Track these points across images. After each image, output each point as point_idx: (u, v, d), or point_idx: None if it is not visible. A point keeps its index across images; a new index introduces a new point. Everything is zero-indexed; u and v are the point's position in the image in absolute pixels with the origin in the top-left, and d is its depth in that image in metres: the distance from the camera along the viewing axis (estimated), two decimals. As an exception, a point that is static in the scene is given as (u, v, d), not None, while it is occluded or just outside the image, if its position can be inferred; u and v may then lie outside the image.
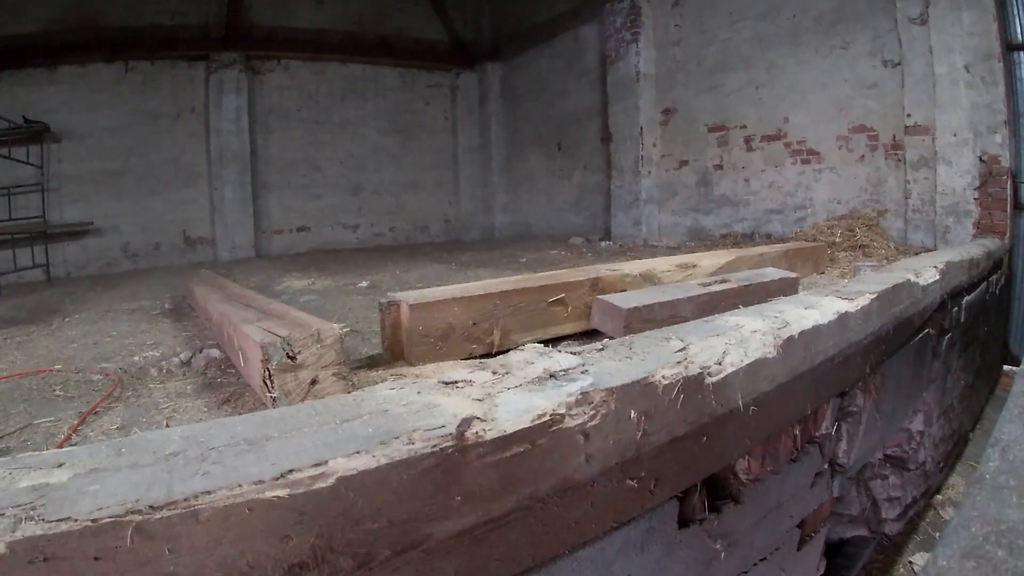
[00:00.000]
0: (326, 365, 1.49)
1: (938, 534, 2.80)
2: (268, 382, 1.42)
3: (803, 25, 5.21)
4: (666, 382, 1.10)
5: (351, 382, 1.58)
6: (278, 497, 0.67)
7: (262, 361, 1.42)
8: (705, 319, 1.57)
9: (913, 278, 2.34)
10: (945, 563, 0.71)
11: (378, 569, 0.76)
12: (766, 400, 1.39)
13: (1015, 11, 4.11)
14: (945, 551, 0.73)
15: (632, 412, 1.04)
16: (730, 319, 1.51)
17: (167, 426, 1.48)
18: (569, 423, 0.94)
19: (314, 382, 1.48)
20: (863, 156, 4.91)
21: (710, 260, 2.86)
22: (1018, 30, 4.13)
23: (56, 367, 2.09)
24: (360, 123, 8.87)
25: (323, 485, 0.70)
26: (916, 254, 3.95)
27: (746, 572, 1.56)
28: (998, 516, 0.77)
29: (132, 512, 0.60)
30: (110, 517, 0.60)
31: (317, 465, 0.71)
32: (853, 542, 2.80)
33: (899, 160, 4.64)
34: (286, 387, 1.44)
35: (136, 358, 2.21)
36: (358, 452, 0.74)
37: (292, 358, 1.44)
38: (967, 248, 3.43)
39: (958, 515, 0.80)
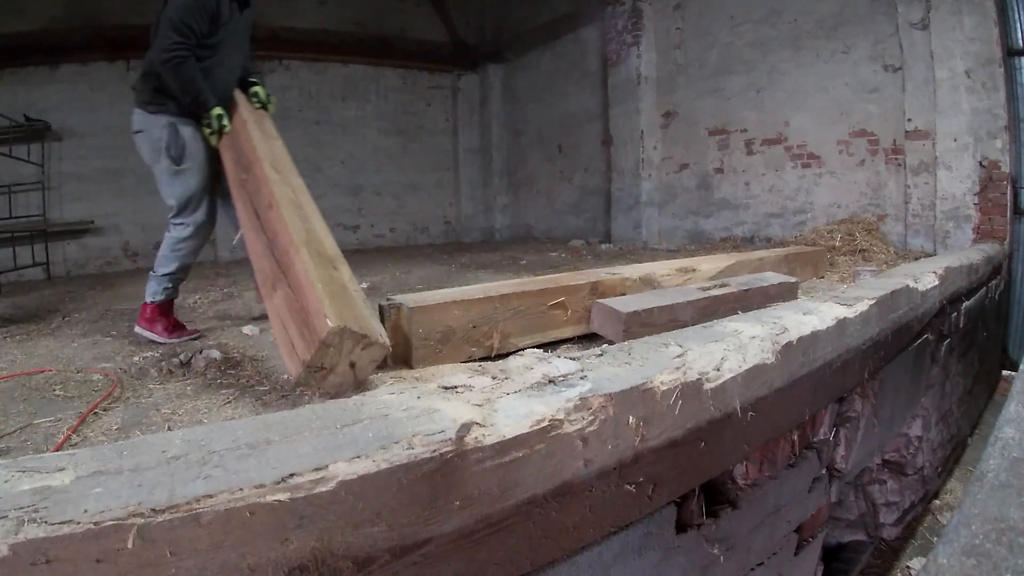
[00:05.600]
0: (351, 350, 1.53)
1: (936, 538, 2.81)
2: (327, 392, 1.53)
3: (804, 29, 5.22)
4: (664, 388, 1.11)
5: (383, 344, 1.59)
6: (279, 501, 0.68)
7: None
8: (704, 325, 1.58)
9: (912, 284, 2.35)
10: (946, 561, 0.71)
11: (377, 572, 0.76)
12: (764, 406, 1.39)
13: (1016, 16, 4.13)
14: (946, 549, 0.73)
15: (630, 418, 1.05)
16: (729, 325, 1.51)
17: (167, 428, 1.48)
18: (568, 428, 0.94)
19: (352, 365, 1.55)
20: (863, 160, 4.91)
21: (710, 264, 2.87)
22: (1019, 35, 4.14)
23: (49, 368, 2.09)
24: (361, 124, 8.87)
25: (323, 489, 0.70)
26: (916, 259, 3.96)
27: (743, 577, 1.56)
28: (999, 514, 0.77)
29: (134, 515, 0.61)
30: (112, 520, 0.60)
31: (318, 469, 0.71)
32: (851, 547, 2.80)
33: (899, 165, 4.65)
34: (333, 383, 1.54)
35: (136, 358, 2.21)
36: (358, 457, 0.74)
37: (322, 368, 1.51)
38: (967, 253, 3.44)
39: (959, 513, 0.80)
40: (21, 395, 1.79)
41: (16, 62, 6.53)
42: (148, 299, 2.49)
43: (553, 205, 8.38)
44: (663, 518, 1.25)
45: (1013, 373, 4.07)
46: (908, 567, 2.69)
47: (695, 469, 1.24)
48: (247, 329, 2.62)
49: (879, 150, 4.81)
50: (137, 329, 2.49)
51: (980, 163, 4.16)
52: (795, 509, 1.80)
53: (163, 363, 2.06)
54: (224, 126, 2.46)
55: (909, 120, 4.50)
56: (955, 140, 4.24)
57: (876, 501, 2.88)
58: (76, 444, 1.39)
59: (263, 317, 2.91)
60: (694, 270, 2.72)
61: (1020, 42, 4.14)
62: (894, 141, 4.68)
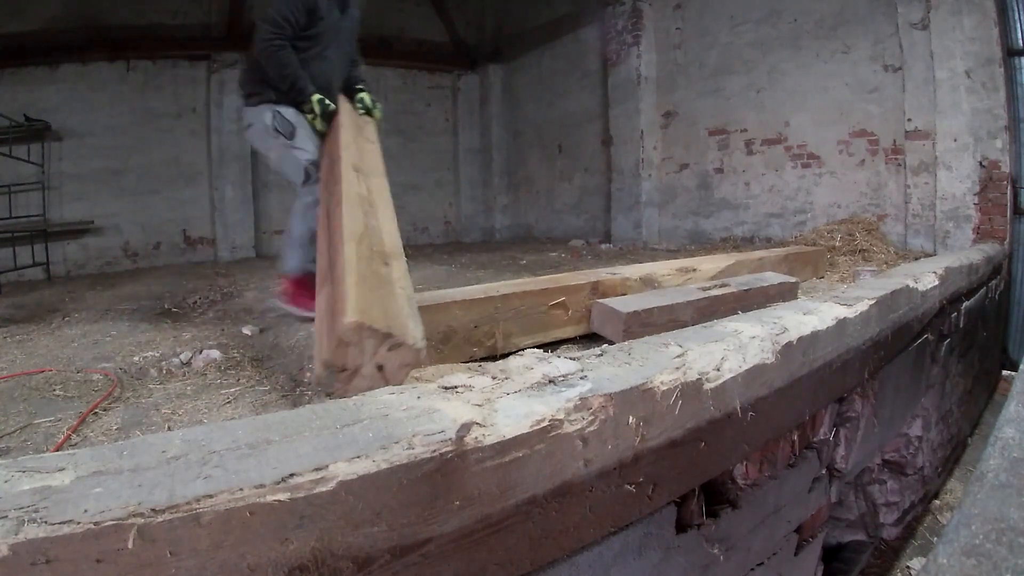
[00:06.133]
0: (375, 351, 1.37)
1: (936, 538, 2.81)
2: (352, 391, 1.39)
3: (804, 29, 5.22)
4: (664, 388, 1.11)
5: (412, 346, 1.40)
6: (279, 501, 0.68)
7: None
8: (704, 325, 1.58)
9: (912, 284, 2.35)
10: (945, 561, 0.71)
11: (377, 572, 0.76)
12: (764, 406, 1.39)
13: (1016, 16, 4.12)
14: (946, 549, 0.73)
15: (630, 418, 1.05)
16: (729, 325, 1.51)
17: (167, 428, 1.48)
18: (568, 428, 0.94)
19: (380, 368, 1.38)
20: (863, 160, 4.91)
21: (710, 264, 2.87)
22: (1019, 35, 4.14)
23: (49, 368, 2.09)
24: (361, 123, 8.86)
25: (323, 489, 0.70)
26: (916, 259, 3.96)
27: (743, 577, 1.56)
28: (999, 514, 0.77)
29: (134, 515, 0.61)
30: (112, 520, 0.60)
31: (318, 469, 0.71)
32: (851, 547, 2.80)
33: (899, 165, 4.65)
34: (360, 387, 1.36)
35: (136, 358, 2.21)
36: (358, 457, 0.74)
37: (344, 369, 1.36)
38: (967, 253, 3.44)
39: (959, 513, 0.80)
40: (21, 395, 1.79)
41: (16, 62, 6.52)
42: (296, 271, 2.51)
43: (553, 205, 8.38)
44: (663, 518, 1.25)
45: (1013, 373, 4.07)
46: (908, 567, 2.69)
47: (695, 469, 1.24)
48: (247, 329, 2.62)
49: (879, 150, 4.81)
50: (286, 306, 2.56)
51: (980, 163, 4.16)
52: (795, 509, 1.80)
53: (163, 363, 2.06)
54: (328, 105, 2.52)
55: (909, 120, 4.50)
56: (955, 140, 4.24)
57: (876, 501, 2.88)
58: (76, 444, 1.39)
59: (263, 317, 2.91)
60: (694, 270, 2.72)
61: (1020, 42, 4.14)
62: (894, 141, 4.68)
